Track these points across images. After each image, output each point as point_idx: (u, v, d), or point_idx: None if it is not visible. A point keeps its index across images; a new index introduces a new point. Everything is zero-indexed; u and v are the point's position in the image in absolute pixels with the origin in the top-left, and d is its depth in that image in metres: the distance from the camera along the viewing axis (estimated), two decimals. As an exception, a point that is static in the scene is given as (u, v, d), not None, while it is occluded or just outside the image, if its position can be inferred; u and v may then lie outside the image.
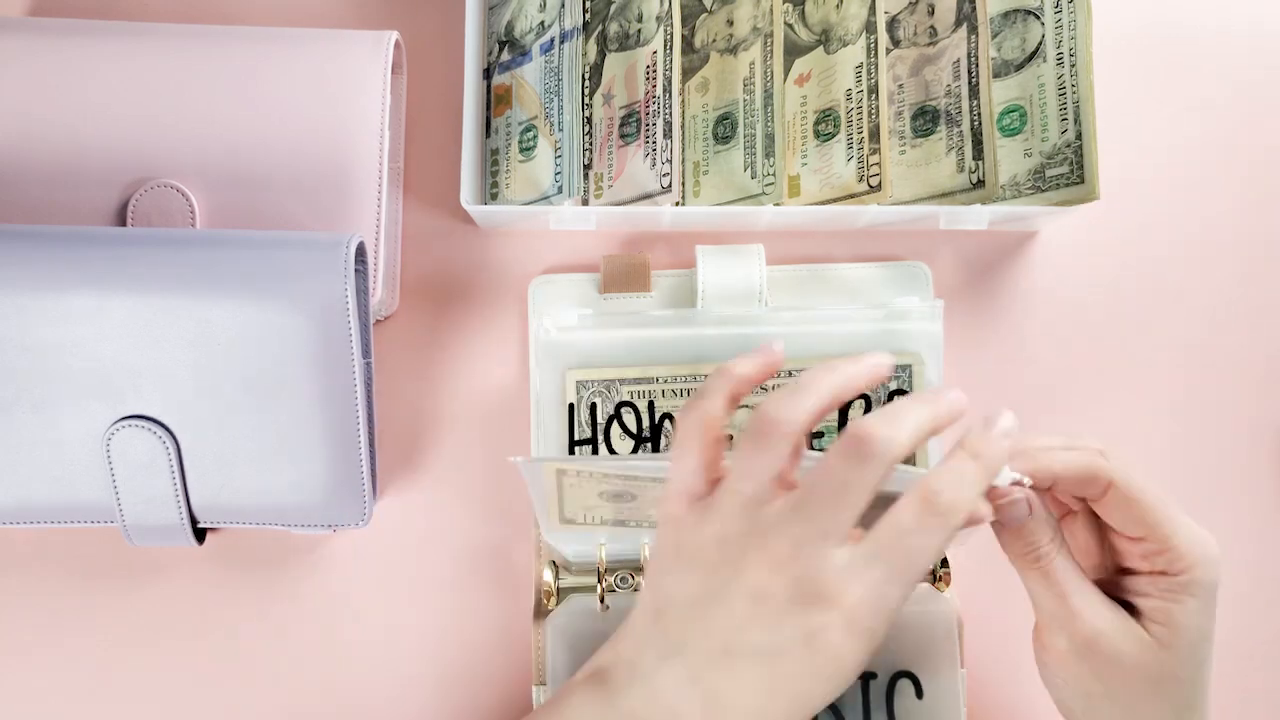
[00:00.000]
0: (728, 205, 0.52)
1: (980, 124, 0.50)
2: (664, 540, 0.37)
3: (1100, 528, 0.41)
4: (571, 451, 0.50)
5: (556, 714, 0.36)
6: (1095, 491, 0.38)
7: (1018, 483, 0.38)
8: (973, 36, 0.51)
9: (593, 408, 0.50)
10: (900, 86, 0.52)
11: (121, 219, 0.49)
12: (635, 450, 0.50)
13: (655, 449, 0.50)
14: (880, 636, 0.34)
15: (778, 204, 0.51)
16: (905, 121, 0.52)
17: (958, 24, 0.51)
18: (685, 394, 0.50)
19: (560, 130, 0.53)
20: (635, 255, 0.54)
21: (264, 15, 0.56)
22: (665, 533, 0.37)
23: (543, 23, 0.54)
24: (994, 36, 0.51)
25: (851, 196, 0.51)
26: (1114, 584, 0.40)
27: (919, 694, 0.49)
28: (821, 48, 0.52)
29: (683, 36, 0.52)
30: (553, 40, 0.54)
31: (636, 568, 0.49)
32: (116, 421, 0.45)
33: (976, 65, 0.51)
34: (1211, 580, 0.38)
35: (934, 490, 0.34)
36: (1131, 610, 0.39)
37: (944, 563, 0.49)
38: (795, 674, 0.34)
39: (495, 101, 0.55)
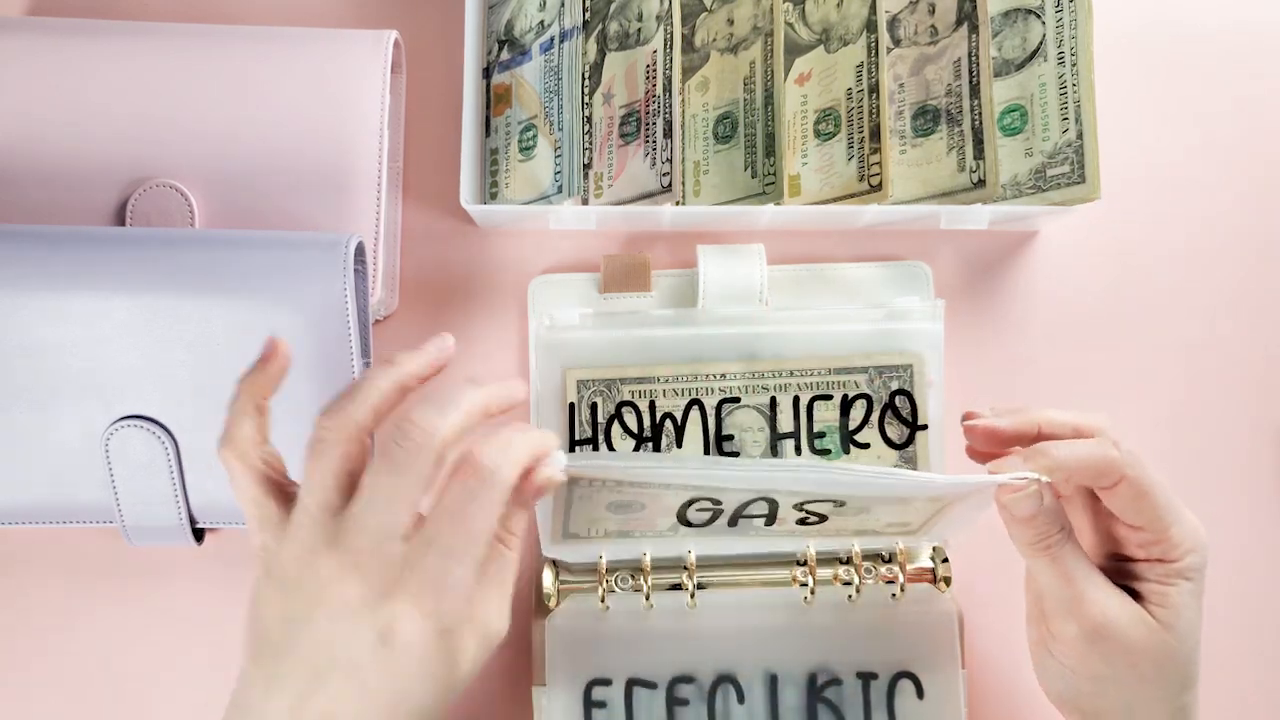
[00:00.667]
0: (728, 205, 0.52)
1: (981, 123, 0.50)
2: (258, 565, 0.36)
3: (1095, 514, 0.42)
4: (571, 450, 0.50)
5: None
6: (1107, 483, 0.39)
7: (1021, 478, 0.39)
8: (973, 36, 0.51)
9: (593, 407, 0.50)
10: (901, 86, 0.52)
11: (120, 219, 0.49)
12: (635, 450, 0.50)
13: (656, 448, 0.50)
14: (470, 618, 0.34)
15: (778, 203, 0.51)
16: (906, 121, 0.52)
17: (958, 23, 0.51)
18: (686, 393, 0.50)
19: (560, 130, 0.53)
20: (635, 255, 0.54)
21: (263, 15, 0.56)
22: (257, 558, 0.36)
23: (542, 22, 0.54)
24: (995, 36, 0.51)
25: (852, 196, 0.51)
26: (1113, 570, 0.41)
27: (919, 694, 0.49)
28: (822, 47, 0.52)
29: (683, 35, 0.52)
30: (552, 39, 0.53)
31: (637, 568, 0.48)
32: (115, 422, 0.45)
33: (977, 64, 0.51)
34: (1203, 564, 0.40)
35: (473, 456, 0.34)
36: (1132, 595, 0.40)
37: (944, 562, 0.49)
38: (385, 677, 0.33)
39: (495, 101, 0.55)
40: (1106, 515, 0.41)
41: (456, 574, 0.34)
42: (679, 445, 0.50)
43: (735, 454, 0.50)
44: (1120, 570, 0.41)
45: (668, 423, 0.50)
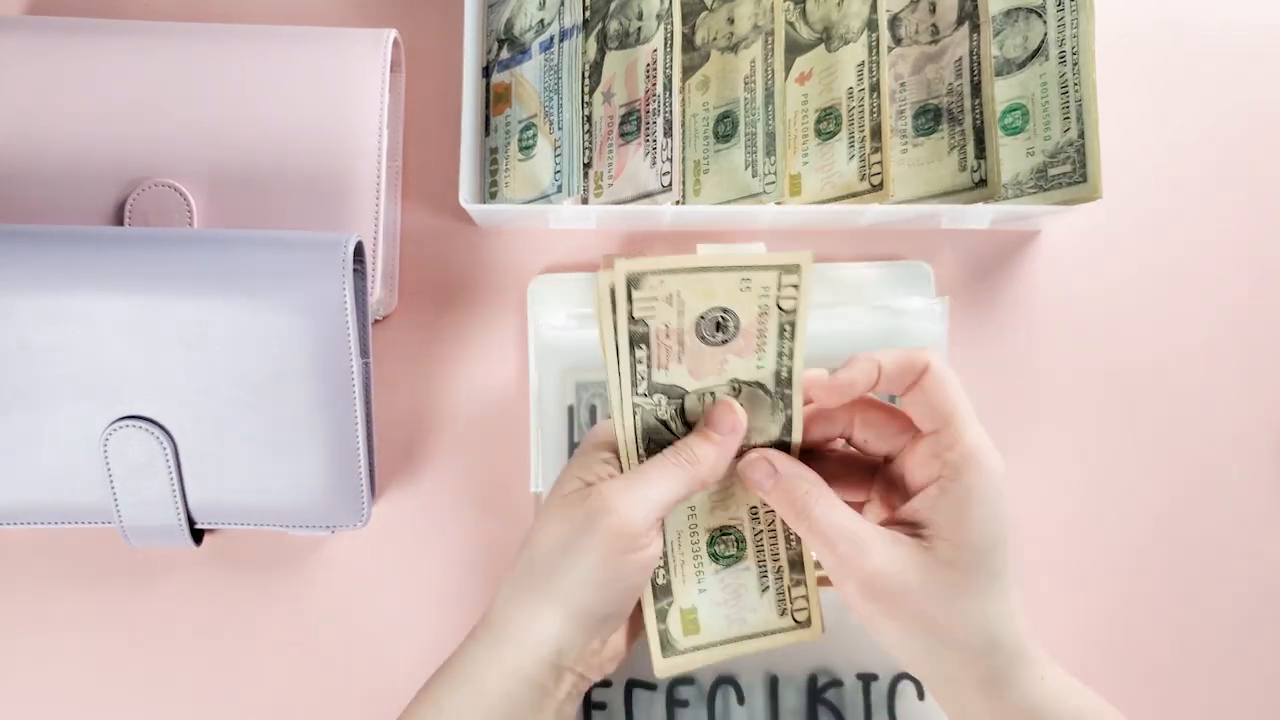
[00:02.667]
0: (729, 204, 0.52)
1: (982, 123, 0.50)
2: None
3: (881, 473, 0.42)
4: (570, 451, 0.50)
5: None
6: (912, 378, 0.39)
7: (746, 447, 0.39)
8: (975, 35, 0.50)
9: (593, 410, 0.50)
10: (902, 85, 0.52)
11: (119, 218, 0.49)
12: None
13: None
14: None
15: (779, 203, 0.51)
16: (907, 120, 0.52)
17: (959, 22, 0.51)
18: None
19: (560, 129, 0.53)
20: (635, 254, 0.53)
21: (262, 14, 0.56)
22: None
23: (542, 20, 0.54)
24: (996, 35, 0.51)
25: (853, 195, 0.51)
26: (905, 518, 0.40)
27: (920, 695, 0.49)
28: (823, 46, 0.52)
29: (683, 34, 0.52)
30: (552, 38, 0.53)
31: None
32: (114, 422, 0.45)
33: (978, 63, 0.50)
34: (997, 490, 0.38)
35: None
36: (919, 526, 0.39)
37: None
38: None
39: (495, 100, 0.55)
40: (912, 445, 0.40)
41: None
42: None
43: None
44: (913, 516, 0.39)
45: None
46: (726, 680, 0.49)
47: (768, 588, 0.43)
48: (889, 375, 0.40)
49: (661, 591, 0.42)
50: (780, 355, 0.39)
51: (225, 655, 0.51)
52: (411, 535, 0.52)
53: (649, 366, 0.39)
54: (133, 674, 0.51)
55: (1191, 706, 0.51)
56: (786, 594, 0.43)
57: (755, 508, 0.43)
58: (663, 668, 0.42)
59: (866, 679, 0.49)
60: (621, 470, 0.41)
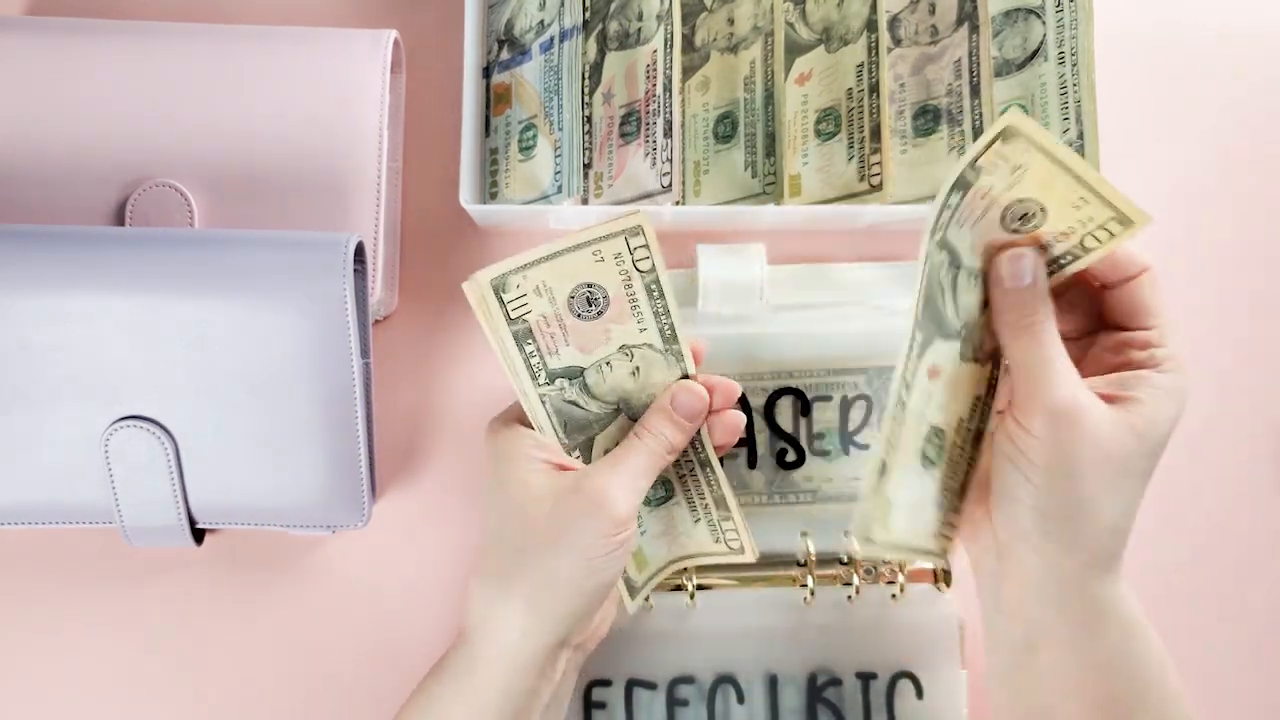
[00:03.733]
0: (728, 205, 0.52)
1: (982, 123, 0.50)
2: None
3: (1100, 339, 0.42)
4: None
5: None
6: (1131, 269, 0.40)
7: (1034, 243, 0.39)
8: (974, 35, 0.51)
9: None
10: (901, 85, 0.52)
11: (120, 219, 0.49)
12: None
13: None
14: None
15: (779, 203, 0.51)
16: (907, 121, 0.52)
17: (959, 23, 0.51)
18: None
19: (560, 129, 0.53)
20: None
21: (263, 14, 0.56)
22: None
23: (542, 21, 0.54)
24: (995, 35, 0.51)
25: (853, 196, 0.51)
26: (1103, 381, 0.40)
27: (919, 694, 0.49)
28: (822, 46, 0.52)
29: (683, 35, 0.52)
30: (552, 39, 0.53)
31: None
32: (114, 422, 0.45)
33: (978, 64, 0.50)
34: (1185, 387, 0.39)
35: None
36: (1114, 398, 0.39)
37: (945, 566, 0.49)
38: None
39: (495, 100, 0.55)
40: (1108, 335, 0.41)
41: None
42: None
43: (736, 450, 0.50)
44: (1110, 381, 0.40)
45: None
46: (726, 679, 0.49)
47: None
48: (1101, 267, 0.40)
49: (881, 469, 0.42)
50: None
51: (225, 655, 0.51)
52: (411, 535, 0.52)
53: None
54: (133, 674, 0.51)
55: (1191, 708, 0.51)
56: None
57: (963, 420, 0.43)
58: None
59: (866, 678, 0.49)
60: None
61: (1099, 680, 0.39)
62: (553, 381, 0.42)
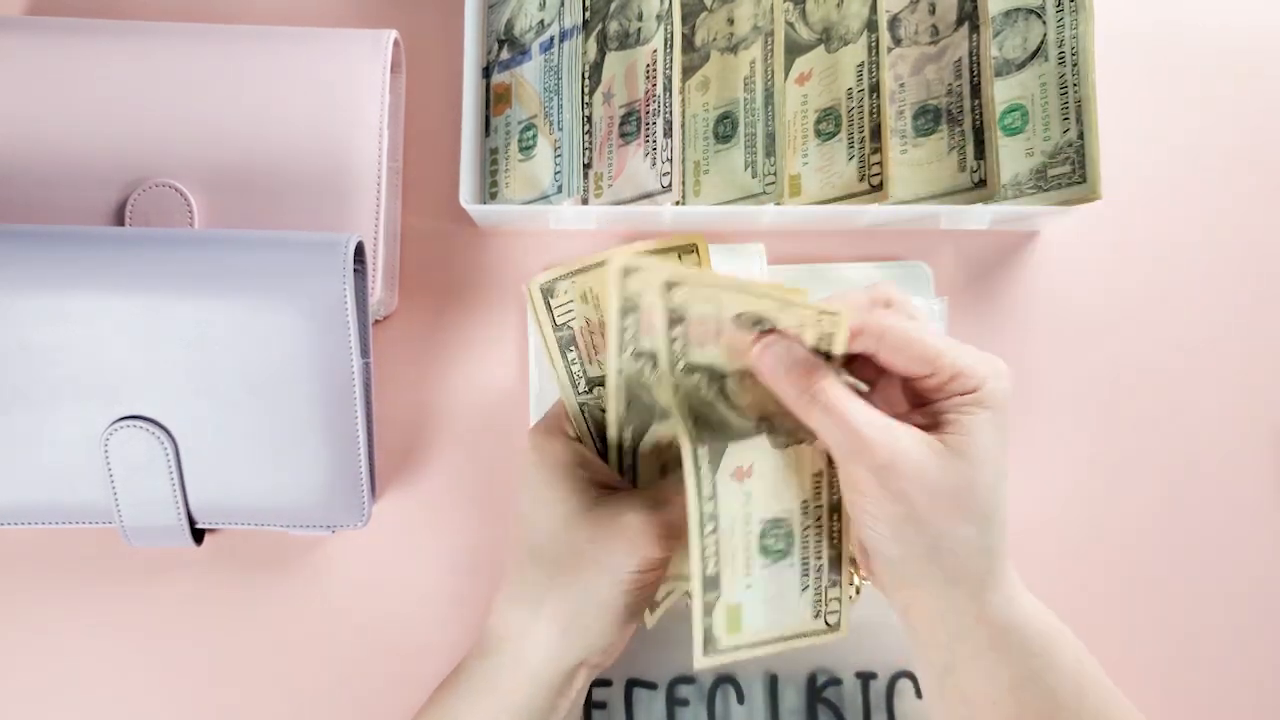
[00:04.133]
0: (728, 205, 0.52)
1: (982, 123, 0.50)
2: None
3: (898, 379, 0.41)
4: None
5: None
6: (869, 343, 0.39)
7: (769, 331, 0.38)
8: (974, 35, 0.51)
9: (592, 409, 0.50)
10: (901, 85, 0.52)
11: (119, 219, 0.49)
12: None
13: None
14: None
15: (779, 203, 0.51)
16: (907, 120, 0.52)
17: (959, 23, 0.51)
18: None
19: (560, 129, 0.53)
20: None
21: (263, 14, 0.56)
22: None
23: (542, 21, 0.54)
24: (995, 35, 0.51)
25: (853, 196, 0.51)
26: (911, 416, 0.40)
27: (919, 694, 0.49)
28: (823, 46, 0.52)
29: (683, 35, 0.52)
30: (552, 39, 0.53)
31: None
32: (114, 422, 0.45)
33: (978, 64, 0.50)
34: (1003, 392, 0.39)
35: None
36: (930, 427, 0.39)
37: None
38: None
39: (495, 100, 0.55)
40: (905, 387, 0.40)
41: (546, 413, 0.44)
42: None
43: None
44: (922, 414, 0.39)
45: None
46: (726, 679, 0.49)
47: (807, 587, 0.43)
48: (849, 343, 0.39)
49: (710, 584, 0.41)
50: (672, 341, 0.40)
51: (225, 655, 0.51)
52: (411, 535, 0.52)
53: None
54: (133, 674, 0.51)
55: (1190, 706, 0.51)
56: (823, 595, 0.43)
57: (806, 501, 0.42)
58: (703, 664, 0.41)
59: (865, 678, 0.49)
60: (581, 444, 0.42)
61: (1013, 700, 0.39)
62: (591, 390, 0.42)
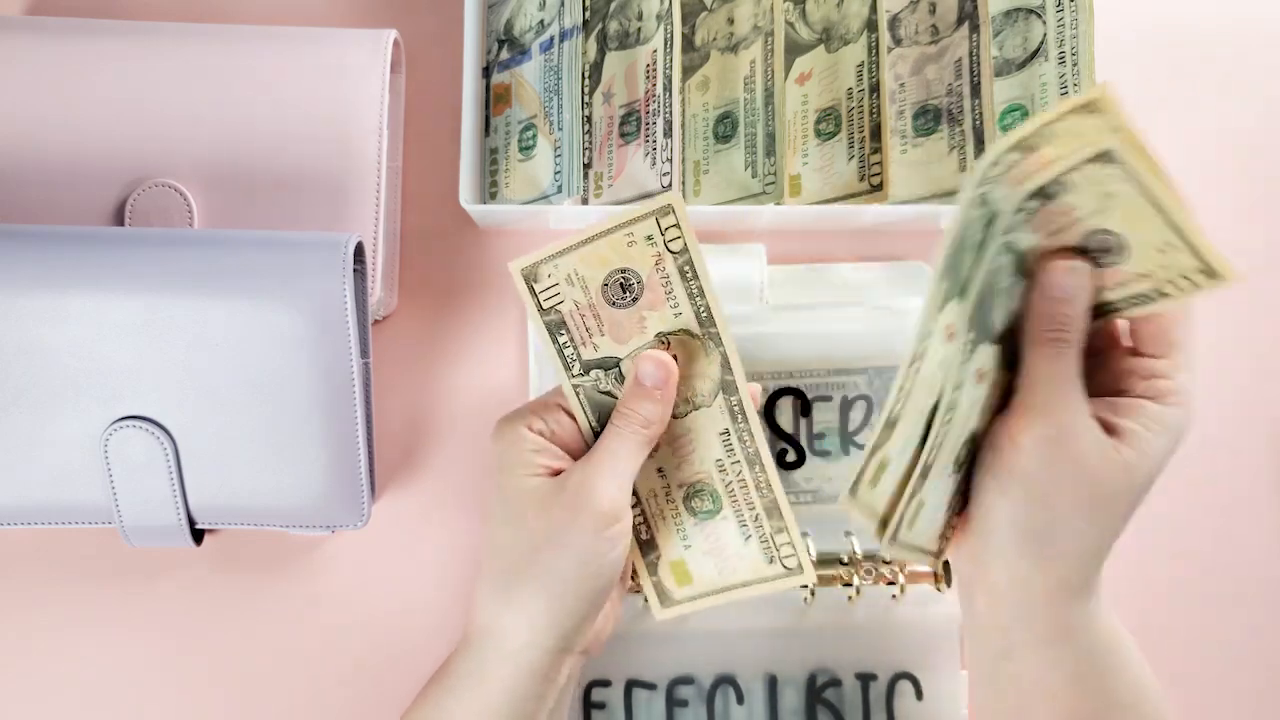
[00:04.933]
0: (728, 205, 0.52)
1: (982, 123, 0.50)
2: None
3: (1110, 356, 0.41)
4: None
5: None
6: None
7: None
8: (974, 35, 0.50)
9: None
10: (902, 85, 0.52)
11: (119, 219, 0.49)
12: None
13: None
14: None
15: (779, 203, 0.51)
16: (907, 120, 0.52)
17: (959, 22, 0.51)
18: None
19: (560, 129, 0.53)
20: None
21: (263, 14, 0.56)
22: None
23: (542, 21, 0.54)
24: (995, 35, 0.51)
25: (853, 196, 0.51)
26: (1104, 404, 0.40)
27: (919, 695, 0.49)
28: (823, 46, 0.52)
29: (683, 35, 0.52)
30: (552, 39, 0.53)
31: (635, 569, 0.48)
32: (114, 422, 0.45)
33: (978, 64, 0.50)
34: (1186, 426, 0.39)
35: None
36: (1112, 426, 0.39)
37: (945, 565, 0.49)
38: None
39: (494, 100, 0.55)
40: (1120, 357, 0.41)
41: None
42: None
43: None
44: (1112, 407, 0.40)
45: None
46: (726, 680, 0.49)
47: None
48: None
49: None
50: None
51: (225, 655, 0.51)
52: (411, 535, 0.52)
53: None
54: (132, 674, 0.51)
55: (1191, 706, 0.51)
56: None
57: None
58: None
59: (865, 679, 0.49)
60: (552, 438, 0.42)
61: (1071, 693, 0.39)
62: (587, 372, 0.41)
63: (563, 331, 0.41)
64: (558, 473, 0.41)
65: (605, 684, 0.49)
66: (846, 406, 0.50)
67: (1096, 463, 0.38)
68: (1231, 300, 0.55)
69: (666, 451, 0.43)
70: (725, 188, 0.52)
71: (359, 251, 0.46)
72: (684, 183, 0.53)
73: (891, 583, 0.49)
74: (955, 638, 0.49)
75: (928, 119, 0.52)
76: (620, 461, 0.41)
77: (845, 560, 0.49)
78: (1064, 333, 0.39)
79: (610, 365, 0.42)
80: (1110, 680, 0.39)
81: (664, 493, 0.44)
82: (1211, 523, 0.53)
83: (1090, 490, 0.38)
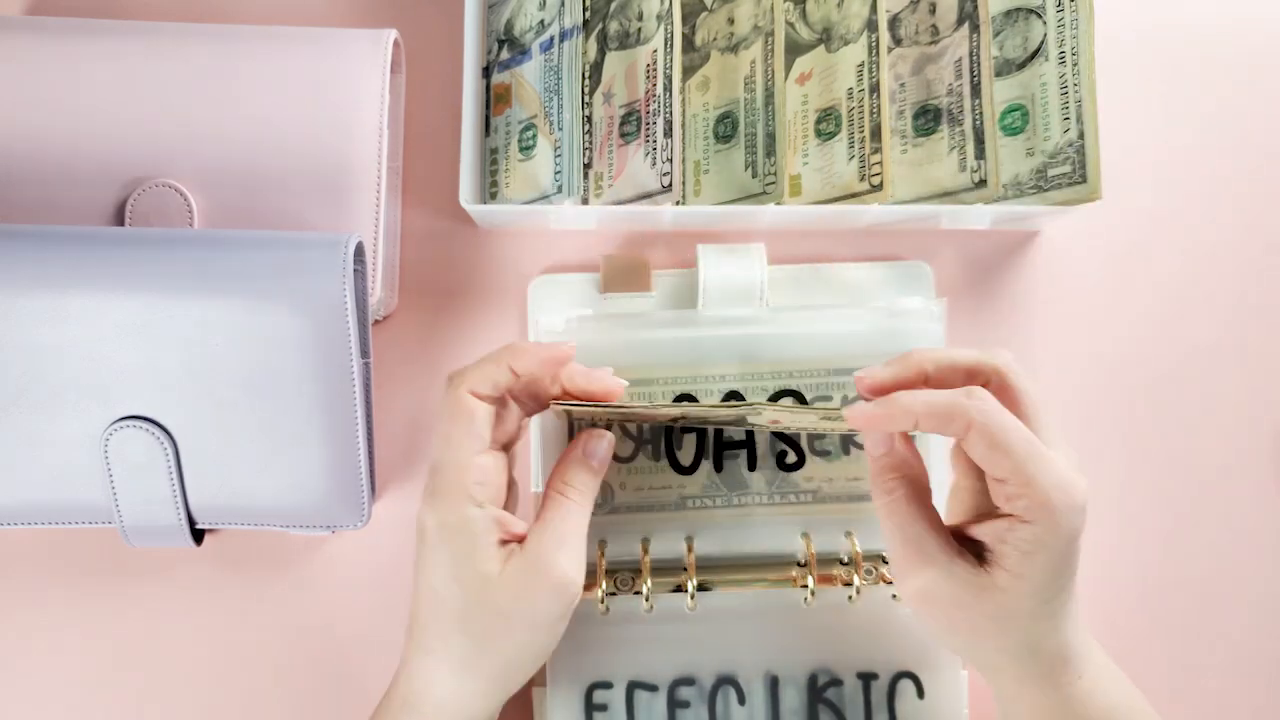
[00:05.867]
0: (728, 205, 0.52)
1: (982, 123, 0.50)
2: None
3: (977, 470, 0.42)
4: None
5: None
6: (958, 430, 0.39)
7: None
8: (974, 35, 0.50)
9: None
10: (902, 85, 0.52)
11: (119, 219, 0.49)
12: (635, 453, 0.50)
13: (656, 451, 0.50)
14: (487, 527, 0.41)
15: (779, 203, 0.51)
16: (907, 120, 0.52)
17: (959, 22, 0.51)
18: (686, 396, 0.50)
19: (560, 129, 0.53)
20: (635, 255, 0.53)
21: (263, 14, 0.56)
22: None
23: (542, 21, 0.54)
24: (996, 35, 0.51)
25: (853, 196, 0.51)
26: (979, 523, 0.40)
27: (920, 694, 0.49)
28: (823, 46, 0.52)
29: (683, 35, 0.52)
30: (552, 39, 0.53)
31: (636, 570, 0.48)
32: (114, 422, 0.45)
33: (978, 64, 0.50)
34: (1069, 531, 0.38)
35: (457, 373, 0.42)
36: (986, 549, 0.40)
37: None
38: (424, 564, 0.42)
39: (495, 100, 0.55)
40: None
41: (436, 477, 0.41)
42: (678, 448, 0.49)
43: (737, 452, 0.50)
44: (986, 528, 0.40)
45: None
46: (727, 680, 0.49)
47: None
48: (925, 424, 0.39)
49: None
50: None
51: (225, 655, 0.51)
52: (411, 535, 0.52)
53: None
54: (132, 674, 0.51)
55: (1190, 706, 0.51)
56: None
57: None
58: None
59: (866, 678, 0.49)
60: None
61: None
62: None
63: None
64: (510, 539, 0.42)
65: (607, 686, 0.49)
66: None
67: (971, 599, 0.39)
68: (1232, 300, 0.55)
69: (816, 83, 0.50)
70: (725, 188, 0.52)
71: (359, 251, 0.46)
72: (684, 183, 0.53)
73: (891, 582, 0.49)
74: (956, 637, 0.49)
75: (928, 119, 0.52)
76: (580, 537, 0.42)
77: (845, 560, 0.49)
78: (887, 486, 0.41)
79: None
80: None
81: (802, 115, 0.51)
82: (1211, 523, 0.53)
83: (980, 619, 0.39)
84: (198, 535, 0.49)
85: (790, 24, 0.52)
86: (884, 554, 0.49)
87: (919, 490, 0.41)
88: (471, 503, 0.41)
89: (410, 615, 0.43)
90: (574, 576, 0.41)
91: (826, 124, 0.52)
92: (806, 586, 0.48)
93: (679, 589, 0.49)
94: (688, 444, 0.50)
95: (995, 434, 0.38)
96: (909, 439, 0.42)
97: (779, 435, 0.50)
